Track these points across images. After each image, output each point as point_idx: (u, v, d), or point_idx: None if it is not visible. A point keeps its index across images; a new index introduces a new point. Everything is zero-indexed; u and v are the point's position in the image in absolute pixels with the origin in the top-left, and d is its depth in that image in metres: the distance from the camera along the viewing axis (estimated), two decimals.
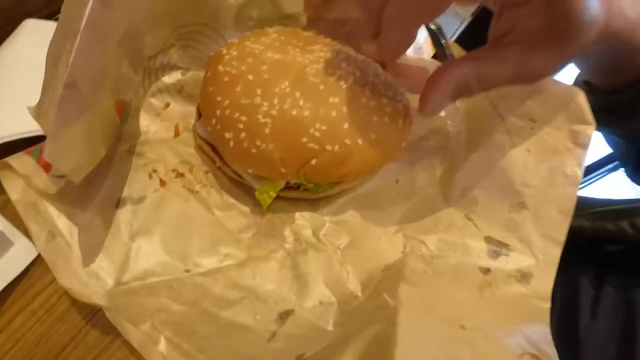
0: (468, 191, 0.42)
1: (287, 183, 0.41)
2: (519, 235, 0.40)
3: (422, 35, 0.59)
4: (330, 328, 0.37)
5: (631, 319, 0.42)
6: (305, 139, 0.37)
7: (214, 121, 0.39)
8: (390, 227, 0.43)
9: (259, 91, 0.38)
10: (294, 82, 0.38)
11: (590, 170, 1.22)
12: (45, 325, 0.37)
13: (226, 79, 0.39)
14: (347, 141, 0.37)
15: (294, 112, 0.37)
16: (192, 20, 0.46)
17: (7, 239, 0.38)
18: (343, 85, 0.38)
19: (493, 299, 0.37)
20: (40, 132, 0.40)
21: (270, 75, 0.38)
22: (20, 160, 0.38)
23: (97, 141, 0.36)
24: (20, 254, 0.39)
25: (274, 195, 0.40)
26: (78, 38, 0.30)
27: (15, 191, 0.38)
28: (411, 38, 0.33)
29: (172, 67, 0.48)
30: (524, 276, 0.38)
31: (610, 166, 1.19)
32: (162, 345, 0.34)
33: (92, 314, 0.38)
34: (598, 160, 1.21)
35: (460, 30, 1.12)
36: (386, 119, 0.39)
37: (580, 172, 0.39)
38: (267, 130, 0.37)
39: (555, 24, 0.28)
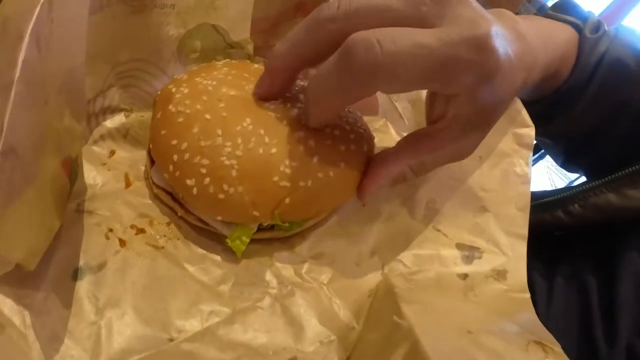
0: (432, 204, 0.44)
1: (260, 225, 0.38)
2: (486, 237, 0.41)
3: None
4: None
5: (585, 300, 0.45)
6: (276, 178, 0.34)
7: (171, 168, 0.35)
8: (365, 252, 0.42)
9: (219, 131, 0.34)
10: (255, 118, 0.35)
11: None
12: None
13: (180, 119, 0.35)
14: (320, 174, 0.36)
15: (261, 151, 0.34)
16: (131, 57, 0.41)
17: None
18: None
19: (478, 300, 0.38)
20: None
21: (229, 114, 0.35)
22: None
23: (49, 213, 0.30)
24: None
25: (247, 240, 0.37)
26: (12, 91, 0.24)
27: None
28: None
29: (114, 110, 0.43)
30: (499, 274, 0.40)
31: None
32: None
33: None
34: None
35: None
36: (352, 146, 0.38)
37: (529, 170, 0.43)
38: (233, 173, 0.34)
39: (482, 111, 0.31)
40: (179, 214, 0.39)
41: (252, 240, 0.39)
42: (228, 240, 0.37)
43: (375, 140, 0.41)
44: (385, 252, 0.42)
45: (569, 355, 0.30)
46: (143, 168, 0.42)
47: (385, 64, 0.26)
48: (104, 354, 0.31)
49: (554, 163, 0.63)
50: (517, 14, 0.48)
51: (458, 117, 0.31)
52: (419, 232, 0.42)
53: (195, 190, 0.34)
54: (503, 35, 0.29)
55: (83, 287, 0.33)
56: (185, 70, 0.42)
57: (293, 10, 0.50)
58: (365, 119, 0.43)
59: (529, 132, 0.44)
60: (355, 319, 0.38)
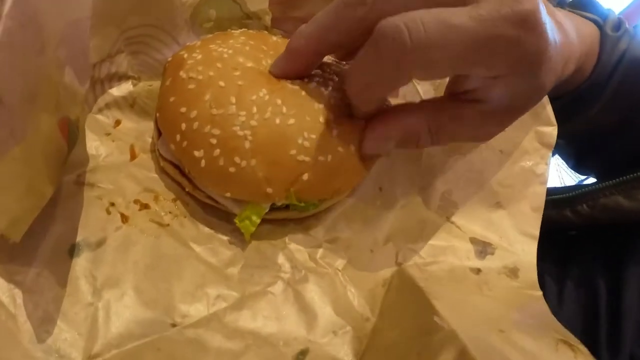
0: (448, 194, 0.41)
1: (272, 204, 0.34)
2: (499, 233, 0.39)
3: None
4: None
5: (594, 305, 0.43)
6: (294, 151, 0.30)
7: (178, 138, 0.31)
8: (379, 238, 0.38)
9: (233, 99, 0.30)
10: (272, 89, 0.32)
11: None
12: None
13: (191, 86, 0.32)
14: (340, 149, 0.32)
15: (278, 121, 0.30)
16: (142, 22, 0.37)
17: None
18: (324, 90, 0.33)
19: (493, 294, 0.36)
20: None
21: (244, 82, 0.31)
22: None
23: (40, 177, 0.26)
24: None
25: (257, 221, 0.33)
26: (0, 26, 0.20)
27: None
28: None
29: (121, 77, 0.39)
30: (511, 271, 0.38)
31: None
32: None
33: None
34: None
35: None
36: None
37: (547, 171, 0.40)
38: (247, 145, 0.30)
39: (518, 95, 0.27)
40: (187, 190, 0.35)
41: (265, 221, 0.35)
42: (236, 220, 0.33)
43: None
44: (399, 240, 0.38)
45: None
46: (150, 140, 0.38)
47: (416, 50, 0.23)
48: (101, 339, 0.27)
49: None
50: None
51: (490, 97, 0.28)
52: (434, 222, 0.40)
53: (203, 163, 0.30)
54: (548, 17, 0.25)
55: (80, 264, 0.29)
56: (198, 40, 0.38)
57: None
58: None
59: (552, 131, 0.40)
60: (370, 310, 0.34)
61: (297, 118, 0.30)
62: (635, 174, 0.43)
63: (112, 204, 0.33)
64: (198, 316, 0.30)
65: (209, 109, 0.30)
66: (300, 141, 0.30)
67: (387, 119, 0.30)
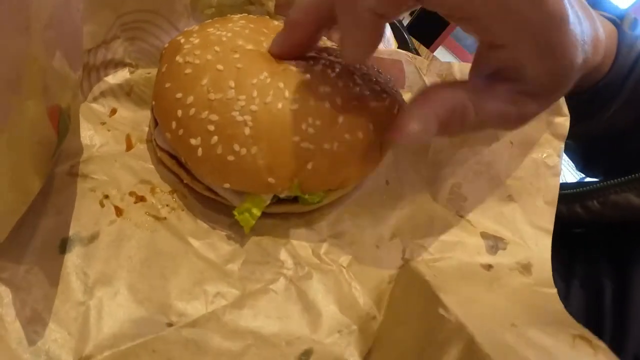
0: (457, 188, 0.39)
1: (274, 196, 0.32)
2: (511, 228, 0.37)
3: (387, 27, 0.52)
4: None
5: (599, 305, 0.41)
6: (297, 138, 0.28)
7: (174, 125, 0.29)
8: (385, 233, 0.36)
9: (232, 83, 0.28)
10: (274, 72, 0.29)
11: None
12: None
13: (188, 71, 0.29)
14: (347, 136, 0.29)
15: (280, 106, 0.28)
16: (139, 6, 0.35)
17: None
18: (330, 73, 0.30)
19: (504, 292, 0.34)
20: None
21: (244, 65, 0.29)
22: None
23: (25, 170, 0.24)
24: None
25: (258, 214, 0.31)
26: None
27: None
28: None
29: (117, 64, 0.37)
30: (524, 267, 0.36)
31: None
32: None
33: None
34: None
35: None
36: (383, 108, 0.31)
37: (560, 163, 0.38)
38: (247, 131, 0.27)
39: (551, 72, 0.24)
40: (185, 182, 0.33)
41: (266, 214, 0.33)
42: (235, 212, 0.31)
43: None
44: (406, 235, 0.36)
45: None
46: (147, 129, 0.36)
47: None
48: (92, 339, 0.26)
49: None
50: None
51: (522, 74, 0.24)
52: (442, 217, 0.37)
53: (200, 151, 0.28)
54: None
55: (71, 260, 0.27)
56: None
57: None
58: None
59: (564, 122, 0.38)
60: (376, 308, 0.32)
61: (300, 102, 0.28)
62: None
63: (106, 197, 0.31)
64: (196, 315, 0.28)
65: (206, 93, 0.28)
66: (304, 127, 0.28)
67: (428, 96, 0.25)
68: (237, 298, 0.29)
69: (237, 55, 0.29)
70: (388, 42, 0.50)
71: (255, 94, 0.28)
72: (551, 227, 0.37)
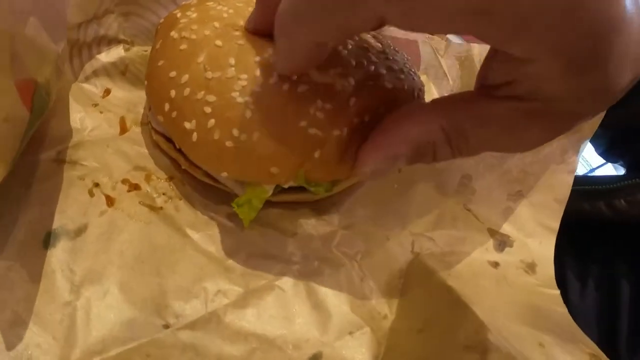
0: (466, 180, 0.36)
1: (278, 186, 0.28)
2: (517, 225, 0.35)
3: None
4: None
5: (615, 305, 0.40)
6: (304, 123, 0.24)
7: (167, 107, 0.26)
8: (396, 225, 0.34)
9: (232, 60, 0.25)
10: None
11: None
12: None
13: (183, 47, 0.26)
14: (355, 120, 0.26)
15: (285, 87, 0.24)
16: None
17: None
18: (342, 50, 0.27)
19: (511, 292, 0.32)
20: None
21: (246, 42, 0.25)
22: None
23: None
24: None
25: (259, 206, 0.28)
26: None
27: None
28: None
29: (111, 41, 0.34)
30: (529, 266, 0.34)
31: None
32: None
33: None
34: None
35: None
36: (398, 90, 0.27)
37: (577, 160, 0.35)
38: (248, 114, 0.24)
39: (582, 91, 0.17)
40: (183, 167, 0.30)
41: (272, 203, 0.30)
42: (234, 204, 0.27)
43: None
44: (415, 226, 0.34)
45: None
46: (143, 112, 0.33)
47: None
48: (80, 344, 0.23)
49: None
50: None
51: (534, 92, 0.18)
52: (451, 209, 0.35)
53: (195, 136, 0.25)
54: None
55: (56, 256, 0.25)
56: None
57: None
58: None
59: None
60: (388, 306, 0.30)
61: (309, 84, 0.25)
62: None
63: (97, 185, 0.28)
64: (194, 316, 0.25)
65: (203, 72, 0.25)
66: (312, 111, 0.24)
67: (390, 130, 0.22)
68: (240, 296, 0.27)
69: (237, 33, 0.26)
70: None
71: (258, 72, 0.24)
72: (557, 225, 0.35)
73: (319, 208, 0.32)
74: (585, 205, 0.43)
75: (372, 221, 0.33)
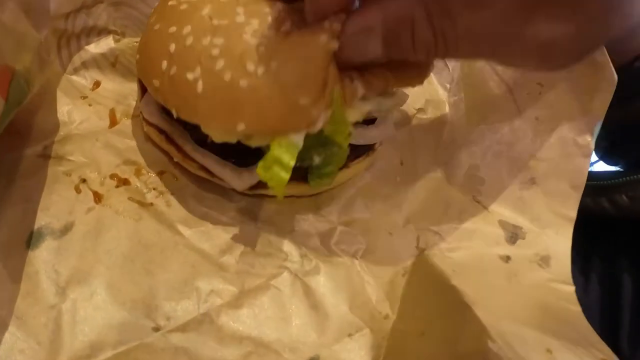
0: (474, 170, 0.35)
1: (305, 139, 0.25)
2: (530, 215, 0.33)
3: None
4: None
5: (617, 303, 0.39)
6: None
7: (164, 65, 0.23)
8: (399, 219, 0.32)
9: (239, 9, 0.23)
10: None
11: None
12: None
13: (184, 6, 0.24)
14: None
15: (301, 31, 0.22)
16: None
17: None
18: None
19: (522, 290, 0.30)
20: None
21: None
22: None
23: None
24: None
25: (291, 163, 0.22)
26: None
27: None
28: None
29: (101, 31, 0.33)
30: (543, 259, 0.32)
31: None
32: None
33: None
34: None
35: None
36: None
37: (592, 141, 0.33)
38: (261, 49, 0.21)
39: None
40: (175, 160, 0.28)
41: (269, 198, 0.29)
42: (260, 169, 0.23)
43: (415, 90, 0.29)
44: (420, 220, 0.32)
45: None
46: (134, 104, 0.32)
47: None
48: (66, 349, 0.22)
49: None
50: None
51: None
52: (458, 201, 0.34)
53: (200, 86, 0.22)
54: None
55: (40, 257, 0.24)
56: None
57: None
58: None
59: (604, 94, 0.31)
60: (389, 305, 0.28)
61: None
62: None
63: (84, 181, 0.27)
64: (186, 317, 0.24)
65: (209, 20, 0.22)
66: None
67: (368, 5, 0.20)
68: (234, 296, 0.25)
69: None
70: None
71: (270, 19, 0.22)
72: (574, 214, 0.33)
73: (318, 202, 0.30)
74: (588, 201, 0.42)
75: (373, 216, 0.31)
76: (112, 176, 0.27)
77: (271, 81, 0.21)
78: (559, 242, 0.32)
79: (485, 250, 0.32)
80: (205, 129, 0.23)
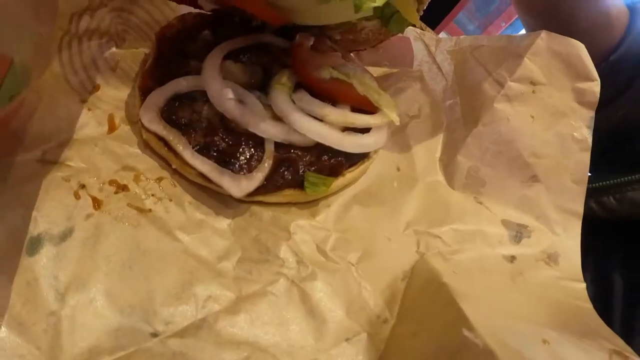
0: (474, 171, 0.35)
1: (268, 182, 0.27)
2: (535, 213, 0.34)
3: None
4: None
5: (608, 303, 0.40)
6: None
7: None
8: (398, 224, 0.33)
9: None
10: None
11: None
12: None
13: None
14: None
15: None
16: None
17: None
18: None
19: (529, 289, 0.31)
20: None
21: None
22: None
23: None
24: None
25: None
26: None
27: None
28: None
29: (103, 35, 0.33)
30: (550, 257, 0.33)
31: None
32: None
33: None
34: None
35: None
36: None
37: (589, 135, 0.33)
38: None
39: None
40: (174, 167, 0.29)
41: (266, 205, 0.29)
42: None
43: (409, 97, 0.30)
44: (420, 224, 0.33)
45: None
46: (133, 110, 0.32)
47: None
48: (65, 355, 0.22)
49: None
50: None
51: None
52: (459, 203, 0.34)
53: None
54: None
55: (40, 263, 0.24)
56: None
57: None
58: (399, 72, 0.34)
59: (593, 87, 0.32)
60: (388, 309, 0.29)
61: None
62: None
63: (83, 186, 0.27)
64: (184, 323, 0.24)
65: None
66: None
67: None
68: (232, 302, 0.26)
69: None
70: None
71: None
72: (581, 209, 0.33)
73: (314, 210, 0.31)
74: None
75: (370, 223, 0.32)
76: (111, 182, 0.27)
77: None
78: (568, 239, 0.33)
79: (488, 251, 0.32)
80: None
